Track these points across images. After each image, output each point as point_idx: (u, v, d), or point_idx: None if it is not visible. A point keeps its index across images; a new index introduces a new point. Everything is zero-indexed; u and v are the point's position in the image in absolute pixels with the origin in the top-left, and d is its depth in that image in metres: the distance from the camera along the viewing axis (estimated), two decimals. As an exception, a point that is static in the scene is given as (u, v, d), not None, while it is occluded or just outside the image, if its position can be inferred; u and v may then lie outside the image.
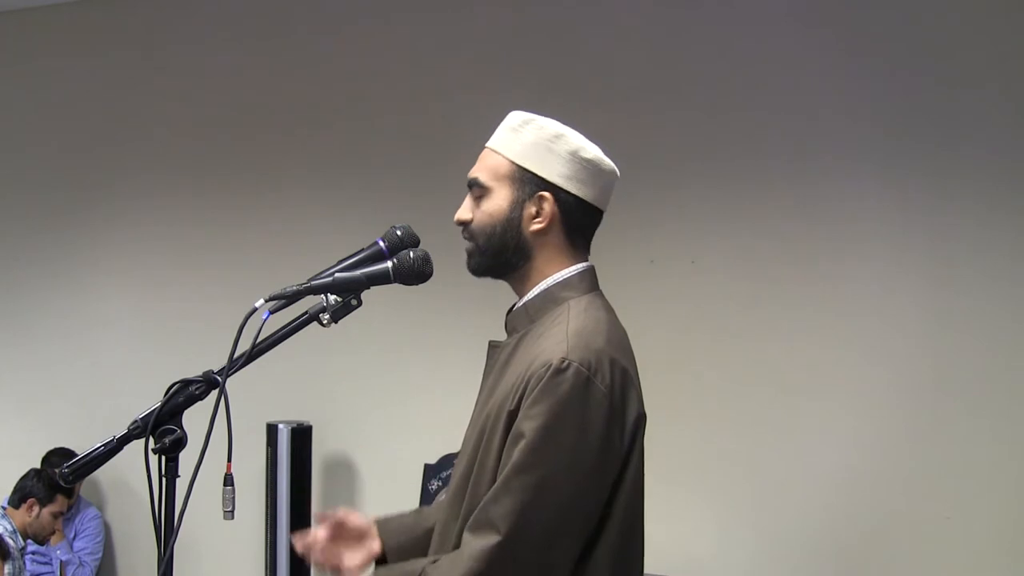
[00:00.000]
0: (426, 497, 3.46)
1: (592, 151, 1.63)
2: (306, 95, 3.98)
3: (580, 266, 1.64)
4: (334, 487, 3.91)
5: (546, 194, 1.59)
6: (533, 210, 1.60)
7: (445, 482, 3.39)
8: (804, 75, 3.26)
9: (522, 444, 1.44)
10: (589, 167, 1.62)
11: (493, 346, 1.70)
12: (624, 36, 3.50)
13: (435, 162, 3.72)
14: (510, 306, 1.71)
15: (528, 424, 1.45)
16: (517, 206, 1.60)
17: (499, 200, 1.60)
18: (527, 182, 1.60)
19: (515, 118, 1.65)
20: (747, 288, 3.30)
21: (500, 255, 1.61)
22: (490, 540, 1.43)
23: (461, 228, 1.65)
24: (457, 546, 1.51)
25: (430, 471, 3.52)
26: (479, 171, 1.64)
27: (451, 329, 3.66)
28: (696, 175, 3.39)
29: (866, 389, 3.16)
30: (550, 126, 1.62)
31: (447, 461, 3.40)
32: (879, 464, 3.14)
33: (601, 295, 1.65)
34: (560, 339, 1.50)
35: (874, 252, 3.17)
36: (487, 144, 1.66)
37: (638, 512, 1.57)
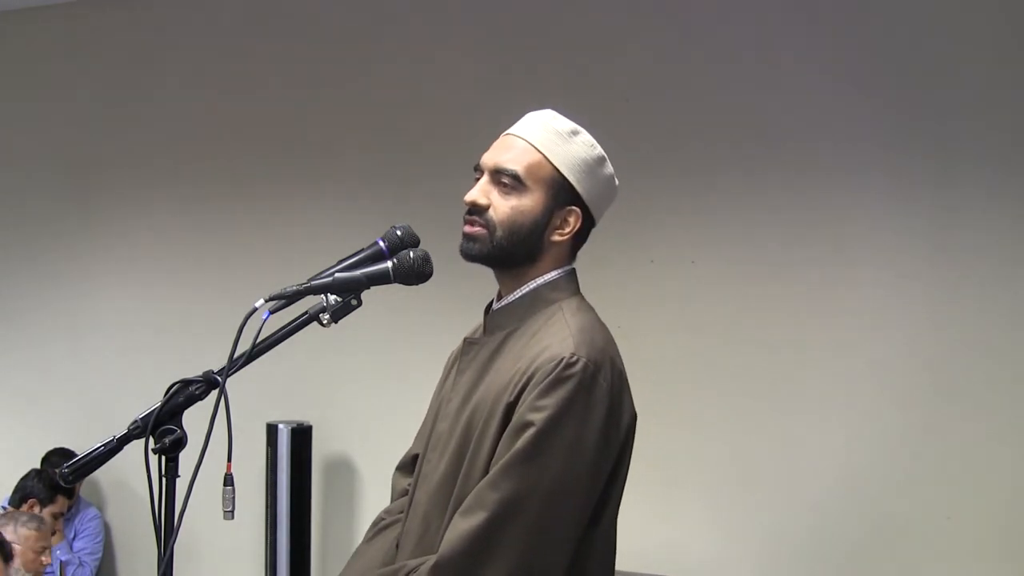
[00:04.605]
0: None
1: (616, 178, 1.68)
2: (305, 95, 3.97)
3: (566, 268, 1.68)
4: (334, 487, 3.91)
5: (577, 209, 1.63)
6: (559, 221, 1.63)
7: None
8: (806, 76, 3.25)
9: (530, 432, 1.47)
10: (612, 192, 1.69)
11: (470, 343, 1.72)
12: (624, 35, 3.49)
13: (436, 161, 3.71)
14: (488, 304, 1.72)
15: (536, 414, 1.47)
16: (547, 213, 1.62)
17: (534, 202, 1.60)
18: (564, 192, 1.62)
19: (561, 123, 1.65)
20: (747, 288, 3.30)
21: (513, 253, 1.62)
22: (477, 520, 1.45)
23: (469, 211, 1.63)
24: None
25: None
26: (515, 164, 1.60)
27: (451, 329, 3.64)
28: (697, 175, 3.38)
29: (866, 389, 3.16)
30: (597, 145, 1.65)
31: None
32: (878, 464, 3.14)
33: (584, 298, 1.69)
34: (565, 335, 1.54)
35: (874, 254, 3.16)
36: (519, 135, 1.64)
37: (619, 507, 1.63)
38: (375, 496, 3.83)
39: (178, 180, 4.19)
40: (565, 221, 1.63)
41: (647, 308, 3.34)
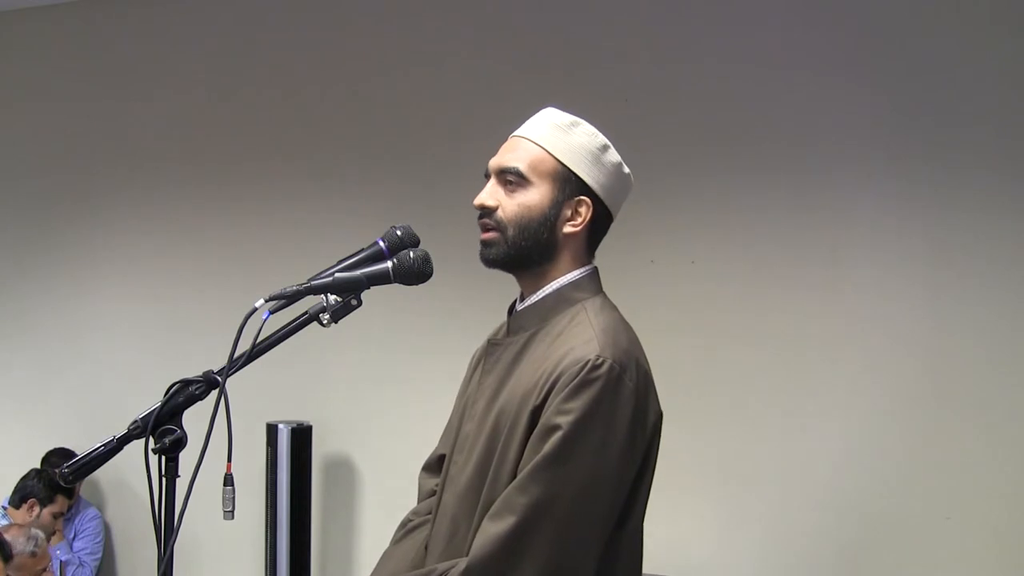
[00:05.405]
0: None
1: (626, 167, 1.68)
2: (305, 94, 3.98)
3: (589, 267, 1.68)
4: (334, 487, 3.91)
5: (586, 199, 1.63)
6: (569, 212, 1.63)
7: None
8: (806, 75, 3.25)
9: (557, 436, 1.47)
10: (623, 181, 1.69)
11: (494, 344, 1.72)
12: (624, 34, 3.50)
13: (436, 162, 3.72)
14: (511, 304, 1.72)
15: (563, 418, 1.48)
16: (556, 205, 1.62)
17: (539, 196, 1.61)
18: (570, 183, 1.62)
19: (560, 117, 1.66)
20: (747, 288, 3.30)
21: (527, 250, 1.62)
22: (507, 524, 1.46)
23: (480, 214, 1.64)
24: (473, 538, 1.53)
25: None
26: (518, 161, 1.62)
27: (451, 329, 3.66)
28: (697, 175, 3.39)
29: (866, 389, 3.16)
30: (599, 134, 1.65)
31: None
32: (879, 465, 3.14)
33: (607, 297, 1.69)
34: (589, 337, 1.54)
35: (874, 254, 3.16)
36: (523, 135, 1.66)
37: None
38: (375, 496, 3.83)
39: (178, 180, 4.19)
40: (576, 212, 1.63)
41: (647, 308, 3.33)
